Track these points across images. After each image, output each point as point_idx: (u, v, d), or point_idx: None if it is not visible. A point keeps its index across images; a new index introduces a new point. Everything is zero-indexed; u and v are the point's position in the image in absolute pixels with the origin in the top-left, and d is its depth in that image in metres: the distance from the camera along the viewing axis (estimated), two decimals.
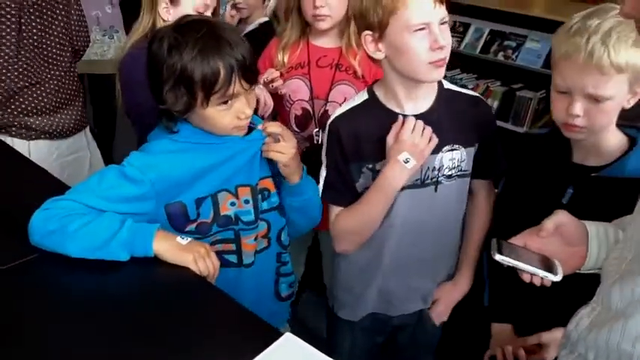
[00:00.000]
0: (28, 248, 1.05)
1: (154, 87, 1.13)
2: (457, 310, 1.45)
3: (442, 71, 1.17)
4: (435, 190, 1.26)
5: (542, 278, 0.95)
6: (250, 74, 1.12)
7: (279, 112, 1.76)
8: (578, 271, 0.99)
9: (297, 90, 1.68)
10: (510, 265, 0.95)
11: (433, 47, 1.12)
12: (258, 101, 1.55)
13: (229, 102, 1.10)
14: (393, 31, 1.14)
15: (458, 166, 1.27)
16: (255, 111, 1.20)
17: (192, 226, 1.16)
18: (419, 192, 1.25)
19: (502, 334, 1.28)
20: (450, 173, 1.27)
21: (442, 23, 1.14)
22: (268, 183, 1.24)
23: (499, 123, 2.22)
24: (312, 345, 0.88)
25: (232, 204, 1.17)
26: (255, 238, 1.24)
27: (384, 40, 1.16)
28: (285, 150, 1.18)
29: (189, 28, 1.10)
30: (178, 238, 1.07)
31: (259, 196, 1.21)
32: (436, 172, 1.25)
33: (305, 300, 2.23)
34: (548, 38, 3.05)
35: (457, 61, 3.26)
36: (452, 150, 1.25)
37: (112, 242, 1.02)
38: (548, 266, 0.95)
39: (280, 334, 0.91)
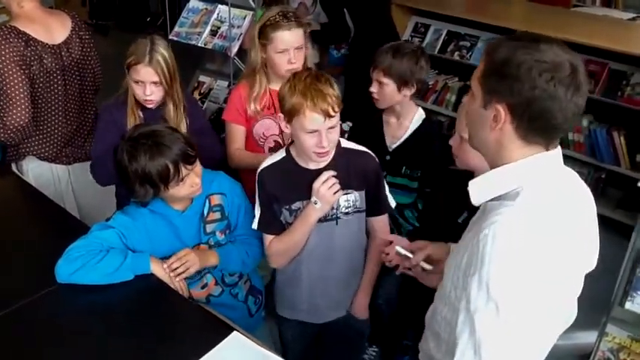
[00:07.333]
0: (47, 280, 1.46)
1: (127, 186, 1.55)
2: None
3: (324, 159, 1.56)
4: (336, 223, 1.66)
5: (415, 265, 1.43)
6: (190, 158, 1.54)
7: (248, 149, 2.16)
8: None
9: (269, 127, 2.14)
10: (403, 254, 1.45)
11: (318, 145, 1.51)
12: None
13: (182, 181, 1.54)
14: (294, 126, 1.53)
15: (353, 205, 1.66)
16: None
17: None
18: (322, 225, 1.64)
19: None
20: (347, 211, 1.65)
21: (330, 128, 1.51)
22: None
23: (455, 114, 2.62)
24: None
25: None
26: (203, 287, 1.70)
27: (290, 124, 1.55)
28: (186, 268, 1.57)
29: (138, 140, 1.52)
30: (164, 264, 1.56)
31: None
32: (334, 211, 1.63)
33: None
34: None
35: None
36: (347, 194, 1.63)
37: (121, 268, 1.48)
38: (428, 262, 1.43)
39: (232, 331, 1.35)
